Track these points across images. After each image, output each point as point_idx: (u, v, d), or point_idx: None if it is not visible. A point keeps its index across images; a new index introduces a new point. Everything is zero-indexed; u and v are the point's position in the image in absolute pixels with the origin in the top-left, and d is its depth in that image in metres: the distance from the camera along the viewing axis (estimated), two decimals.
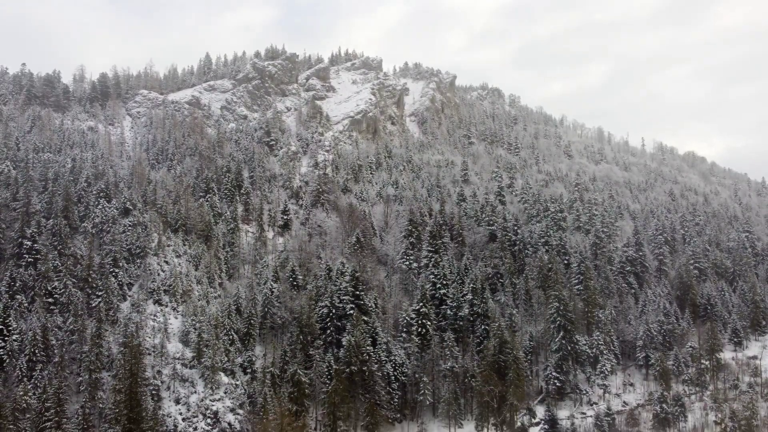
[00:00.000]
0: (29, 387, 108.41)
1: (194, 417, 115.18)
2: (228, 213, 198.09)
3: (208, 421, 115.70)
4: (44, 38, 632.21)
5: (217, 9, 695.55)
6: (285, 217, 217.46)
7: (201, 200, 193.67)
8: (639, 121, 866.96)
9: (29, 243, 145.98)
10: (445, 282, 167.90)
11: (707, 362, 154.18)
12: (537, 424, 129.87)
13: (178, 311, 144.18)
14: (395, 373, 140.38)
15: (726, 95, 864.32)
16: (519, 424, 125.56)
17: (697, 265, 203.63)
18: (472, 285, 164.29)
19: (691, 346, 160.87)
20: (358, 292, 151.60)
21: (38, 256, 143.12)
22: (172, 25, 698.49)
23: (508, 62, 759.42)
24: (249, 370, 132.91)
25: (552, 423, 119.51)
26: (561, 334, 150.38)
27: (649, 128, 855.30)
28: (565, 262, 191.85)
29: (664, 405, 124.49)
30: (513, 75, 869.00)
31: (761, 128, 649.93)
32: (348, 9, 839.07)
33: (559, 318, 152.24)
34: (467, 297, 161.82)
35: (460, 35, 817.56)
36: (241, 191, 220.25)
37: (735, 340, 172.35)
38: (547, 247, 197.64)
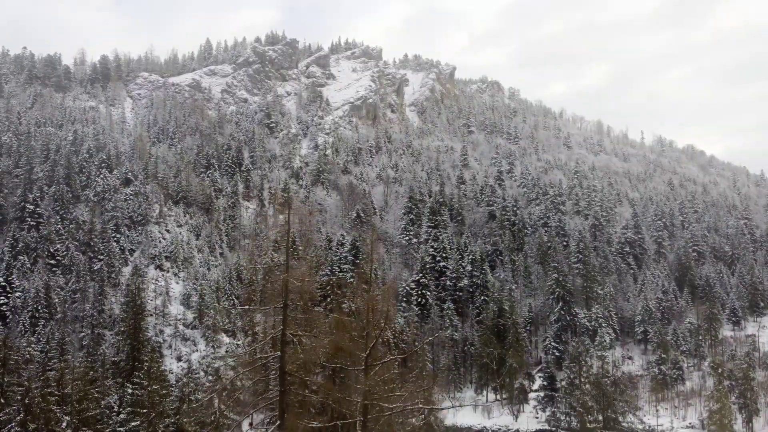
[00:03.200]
0: (32, 340, 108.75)
1: (196, 374, 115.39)
2: (228, 189, 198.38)
3: (210, 378, 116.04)
4: (44, 37, 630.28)
5: (218, 10, 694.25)
6: (285, 195, 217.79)
7: (202, 175, 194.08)
8: (639, 121, 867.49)
9: (32, 207, 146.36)
10: (444, 255, 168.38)
11: (705, 339, 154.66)
12: (536, 390, 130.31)
13: (179, 277, 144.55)
14: (395, 341, 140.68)
15: (726, 96, 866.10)
16: (518, 385, 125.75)
17: (695, 248, 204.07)
18: (471, 257, 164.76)
19: (689, 322, 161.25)
20: (358, 261, 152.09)
21: (40, 220, 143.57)
22: (173, 25, 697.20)
23: (508, 62, 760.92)
24: (250, 333, 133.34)
25: (551, 379, 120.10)
26: (560, 305, 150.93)
27: (649, 128, 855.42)
28: (564, 243, 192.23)
29: (662, 367, 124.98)
30: (513, 75, 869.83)
31: (761, 129, 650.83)
32: (349, 11, 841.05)
33: (558, 289, 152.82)
34: (467, 269, 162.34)
35: (460, 36, 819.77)
36: (242, 169, 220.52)
37: (733, 319, 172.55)
38: (546, 228, 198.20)
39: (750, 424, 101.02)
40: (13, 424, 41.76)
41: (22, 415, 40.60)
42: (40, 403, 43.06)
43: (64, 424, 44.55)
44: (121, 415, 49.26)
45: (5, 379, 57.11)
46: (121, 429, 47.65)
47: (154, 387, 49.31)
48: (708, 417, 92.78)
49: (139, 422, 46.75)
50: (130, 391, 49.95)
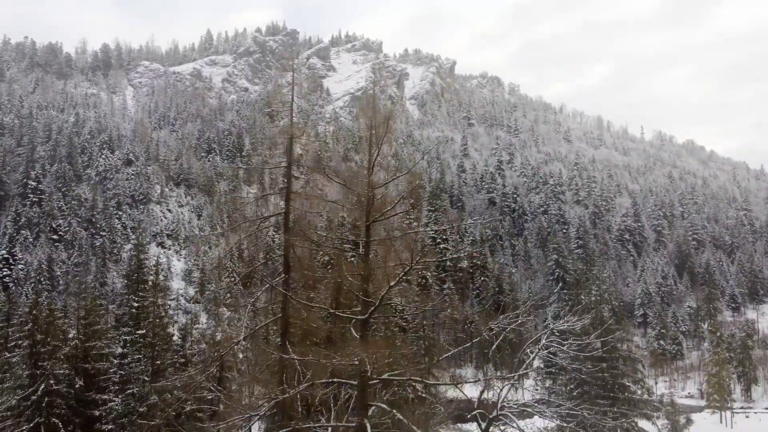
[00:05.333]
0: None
1: (198, 344, 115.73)
2: (229, 172, 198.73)
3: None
4: (45, 32, 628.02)
5: (220, 11, 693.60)
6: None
7: (203, 159, 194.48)
8: (639, 121, 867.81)
9: (34, 184, 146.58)
10: (444, 237, 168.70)
11: (705, 320, 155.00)
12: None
13: (180, 254, 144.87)
14: (395, 319, 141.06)
15: (726, 97, 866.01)
16: (517, 361, 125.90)
17: (695, 236, 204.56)
18: (471, 239, 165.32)
19: (689, 306, 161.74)
20: (358, 241, 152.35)
21: (42, 196, 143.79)
22: (174, 26, 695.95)
23: (509, 62, 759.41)
24: (251, 307, 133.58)
25: (552, 355, 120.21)
26: (560, 285, 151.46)
27: (649, 125, 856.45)
28: (564, 231, 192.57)
29: (661, 342, 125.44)
30: (514, 75, 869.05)
31: (761, 130, 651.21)
32: (351, 12, 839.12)
33: (558, 269, 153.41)
34: (467, 250, 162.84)
35: (461, 36, 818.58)
36: (242, 154, 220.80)
37: (733, 306, 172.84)
38: (545, 215, 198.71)
39: (748, 393, 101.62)
40: (20, 334, 42.32)
41: (30, 325, 41.05)
42: (47, 317, 43.59)
43: (70, 335, 45.07)
44: (126, 327, 49.85)
45: (9, 330, 57.99)
46: (127, 337, 48.18)
47: (158, 303, 50.05)
48: (706, 381, 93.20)
49: (144, 331, 47.20)
50: (135, 304, 50.49)
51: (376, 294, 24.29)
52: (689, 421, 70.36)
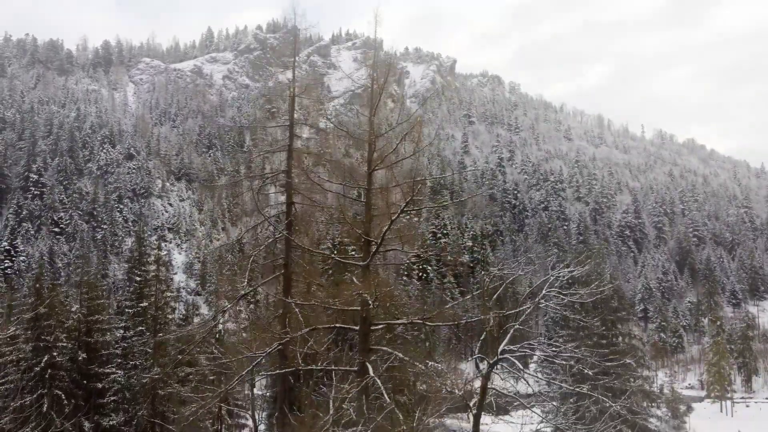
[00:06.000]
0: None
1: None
2: (230, 168, 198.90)
3: (212, 340, 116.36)
4: (45, 34, 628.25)
5: (220, 11, 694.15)
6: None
7: (204, 155, 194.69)
8: (639, 121, 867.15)
9: (35, 177, 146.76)
10: (445, 232, 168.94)
11: (705, 314, 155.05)
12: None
13: (181, 248, 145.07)
14: (396, 313, 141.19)
15: (726, 97, 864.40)
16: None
17: (696, 233, 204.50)
18: (472, 233, 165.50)
19: (689, 302, 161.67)
20: (359, 232, 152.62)
21: (44, 189, 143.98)
22: (176, 27, 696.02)
23: (510, 62, 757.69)
24: (253, 300, 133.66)
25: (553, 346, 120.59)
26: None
27: (650, 124, 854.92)
28: (564, 228, 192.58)
29: (662, 334, 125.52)
30: (514, 74, 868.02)
31: (762, 129, 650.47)
32: (351, 13, 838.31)
33: (558, 264, 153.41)
34: (467, 245, 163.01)
35: (462, 36, 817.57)
36: (243, 150, 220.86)
37: (733, 301, 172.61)
38: (546, 212, 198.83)
39: (749, 384, 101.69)
40: (23, 308, 42.60)
41: (32, 299, 41.27)
42: (50, 291, 43.80)
43: (73, 308, 45.22)
44: (129, 301, 50.17)
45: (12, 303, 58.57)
46: (130, 310, 48.51)
47: (161, 276, 50.33)
48: (706, 370, 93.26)
49: (146, 303, 47.45)
50: (138, 278, 50.77)
51: (377, 239, 24.61)
52: (689, 408, 70.45)
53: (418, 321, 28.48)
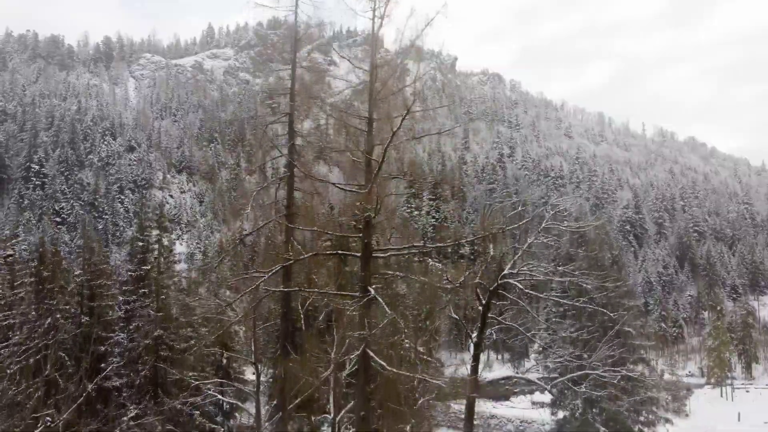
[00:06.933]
0: None
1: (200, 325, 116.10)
2: (231, 162, 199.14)
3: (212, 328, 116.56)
4: (46, 31, 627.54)
5: (221, 11, 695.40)
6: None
7: (204, 149, 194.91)
8: (640, 119, 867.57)
9: (36, 167, 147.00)
10: (446, 225, 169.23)
11: (705, 307, 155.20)
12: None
13: (183, 239, 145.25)
14: (397, 303, 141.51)
15: (727, 97, 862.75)
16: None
17: (696, 228, 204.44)
18: (473, 225, 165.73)
19: (690, 295, 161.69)
20: (360, 226, 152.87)
21: (45, 180, 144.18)
22: (177, 26, 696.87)
23: (510, 61, 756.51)
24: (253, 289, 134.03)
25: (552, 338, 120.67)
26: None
27: (650, 122, 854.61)
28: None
29: (662, 324, 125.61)
30: (514, 73, 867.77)
31: (762, 129, 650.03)
32: (351, 13, 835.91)
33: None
34: (468, 238, 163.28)
35: (461, 37, 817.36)
36: (244, 143, 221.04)
37: (734, 296, 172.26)
38: (546, 207, 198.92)
39: (749, 371, 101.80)
40: (26, 271, 42.80)
41: (36, 263, 41.57)
42: (53, 255, 43.99)
43: (76, 272, 45.45)
44: (131, 264, 50.41)
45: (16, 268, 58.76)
46: (133, 273, 48.77)
47: (163, 241, 50.69)
48: (707, 356, 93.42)
49: (149, 267, 47.75)
50: (141, 243, 51.11)
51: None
52: (689, 391, 70.67)
53: (419, 245, 28.75)
